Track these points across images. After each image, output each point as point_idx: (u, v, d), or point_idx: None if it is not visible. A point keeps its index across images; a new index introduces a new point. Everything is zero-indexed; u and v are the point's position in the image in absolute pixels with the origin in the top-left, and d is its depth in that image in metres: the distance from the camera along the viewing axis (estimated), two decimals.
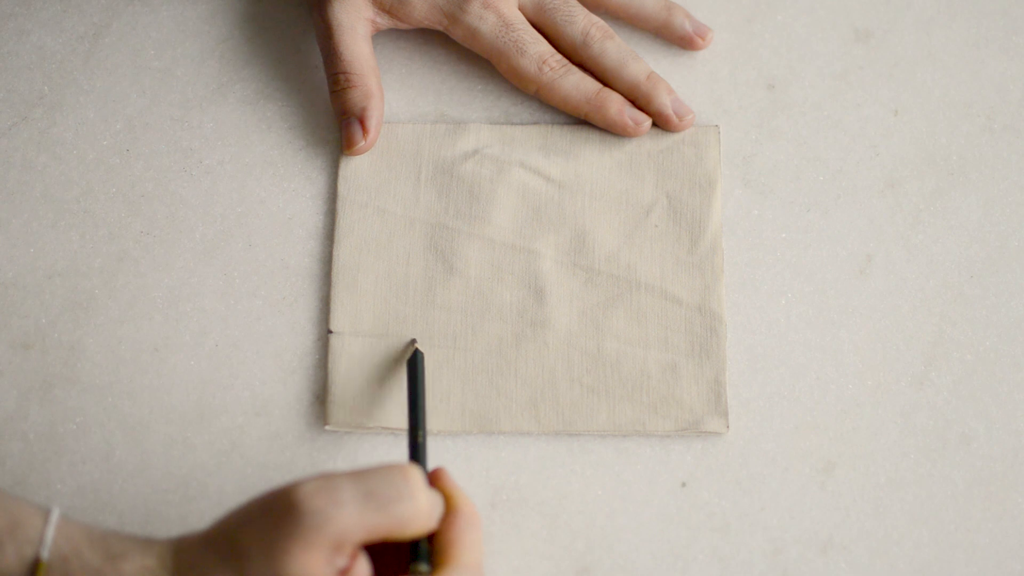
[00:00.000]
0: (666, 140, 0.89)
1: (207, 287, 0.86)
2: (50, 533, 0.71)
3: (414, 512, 0.70)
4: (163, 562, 0.71)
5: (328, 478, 0.70)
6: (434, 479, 0.75)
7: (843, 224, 0.88)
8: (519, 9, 0.91)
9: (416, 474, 0.71)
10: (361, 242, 0.87)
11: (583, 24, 0.90)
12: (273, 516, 0.69)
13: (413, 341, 0.84)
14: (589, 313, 0.85)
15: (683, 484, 0.82)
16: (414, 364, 0.81)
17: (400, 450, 0.82)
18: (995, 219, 0.88)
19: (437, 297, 0.85)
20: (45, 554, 0.70)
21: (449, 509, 0.73)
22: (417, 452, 0.77)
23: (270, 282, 0.86)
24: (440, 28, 0.90)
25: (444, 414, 0.83)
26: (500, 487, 0.81)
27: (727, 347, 0.84)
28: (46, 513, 0.72)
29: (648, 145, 0.89)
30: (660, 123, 0.90)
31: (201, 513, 0.80)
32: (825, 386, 0.84)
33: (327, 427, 0.83)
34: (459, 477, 0.81)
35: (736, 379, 0.84)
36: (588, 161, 0.89)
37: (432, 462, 0.81)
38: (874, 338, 0.85)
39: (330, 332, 0.85)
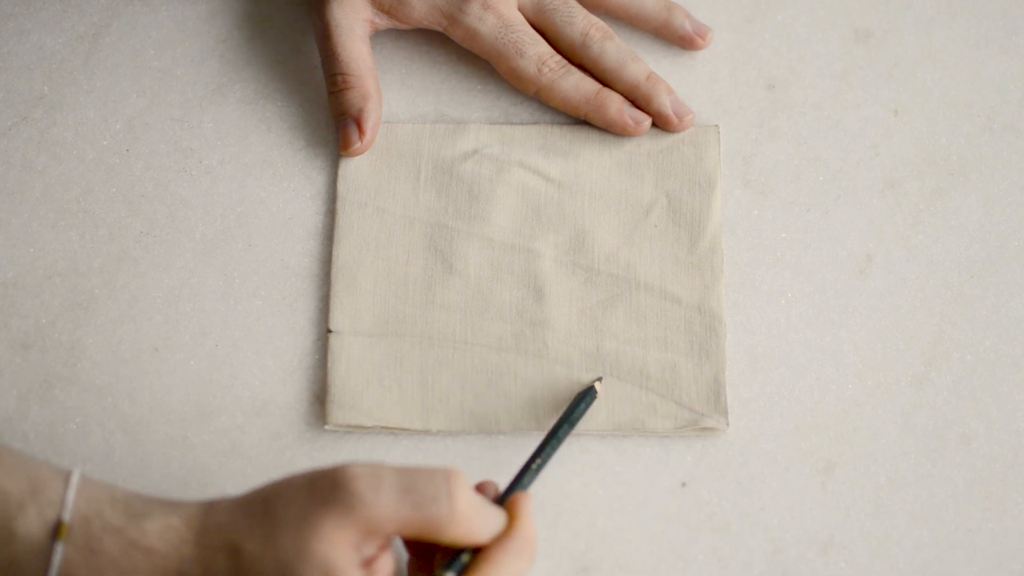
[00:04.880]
0: (666, 140, 0.89)
1: (207, 287, 0.86)
2: (71, 495, 0.71)
3: (449, 515, 0.70)
4: (188, 522, 0.71)
5: (376, 466, 0.70)
6: (512, 501, 0.75)
7: (843, 224, 0.88)
8: (519, 10, 0.91)
9: (460, 479, 0.71)
10: (361, 241, 0.87)
11: (582, 25, 0.90)
12: (314, 489, 0.70)
13: (600, 379, 0.83)
14: (588, 313, 0.85)
15: (683, 484, 0.82)
16: (582, 398, 0.81)
17: (399, 449, 0.82)
18: (995, 219, 0.88)
19: (437, 297, 0.85)
20: (66, 516, 0.70)
21: (507, 532, 0.73)
22: (523, 474, 0.77)
23: (270, 282, 0.86)
24: (439, 29, 0.90)
25: (444, 414, 0.83)
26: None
27: (727, 347, 0.84)
28: (67, 475, 0.72)
29: (648, 145, 0.89)
30: (660, 123, 0.90)
31: None
32: (825, 386, 0.84)
33: (327, 427, 0.83)
34: None
35: (736, 379, 0.84)
36: (588, 161, 0.89)
37: (431, 462, 0.81)
38: (874, 338, 0.85)
39: (330, 332, 0.85)
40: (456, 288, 0.86)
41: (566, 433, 0.80)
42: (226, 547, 0.70)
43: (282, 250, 0.87)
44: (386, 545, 0.71)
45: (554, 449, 0.79)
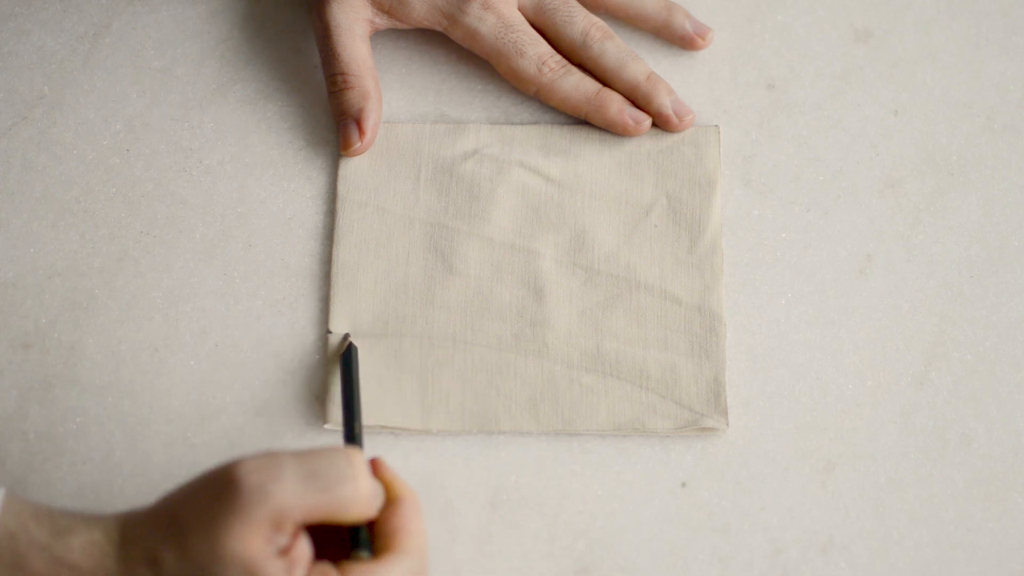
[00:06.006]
0: (666, 140, 0.89)
1: (207, 287, 0.86)
2: None
3: (355, 495, 0.71)
4: (109, 536, 0.71)
5: (271, 456, 0.70)
6: (373, 469, 0.75)
7: (843, 224, 0.88)
8: (519, 10, 0.91)
9: (360, 458, 0.72)
10: (360, 241, 0.87)
11: (583, 25, 0.90)
12: (214, 491, 0.70)
13: (347, 336, 0.84)
14: (588, 313, 0.85)
15: (683, 484, 0.82)
16: (348, 358, 0.82)
17: (399, 449, 0.82)
18: (995, 219, 0.88)
19: (437, 297, 0.85)
20: None
21: (390, 498, 0.74)
22: (354, 441, 0.78)
23: (270, 282, 0.86)
24: (439, 29, 0.90)
25: (444, 414, 0.83)
26: (500, 487, 0.81)
27: (727, 347, 0.84)
28: None
29: (648, 145, 0.89)
30: (660, 123, 0.90)
31: None
32: (825, 386, 0.84)
33: (327, 427, 0.83)
34: (459, 477, 0.81)
35: (736, 379, 0.84)
36: (588, 161, 0.89)
37: (431, 462, 0.81)
38: (874, 338, 0.85)
39: (329, 332, 0.85)
40: (456, 288, 0.86)
41: (359, 390, 0.81)
42: (146, 559, 0.70)
43: (282, 250, 0.87)
44: (298, 532, 0.71)
45: (359, 409, 0.80)
